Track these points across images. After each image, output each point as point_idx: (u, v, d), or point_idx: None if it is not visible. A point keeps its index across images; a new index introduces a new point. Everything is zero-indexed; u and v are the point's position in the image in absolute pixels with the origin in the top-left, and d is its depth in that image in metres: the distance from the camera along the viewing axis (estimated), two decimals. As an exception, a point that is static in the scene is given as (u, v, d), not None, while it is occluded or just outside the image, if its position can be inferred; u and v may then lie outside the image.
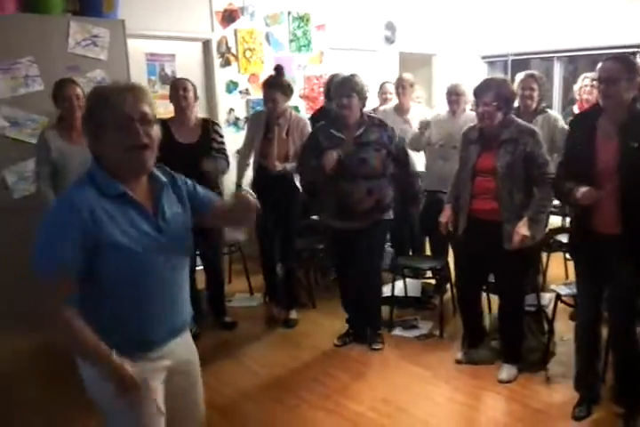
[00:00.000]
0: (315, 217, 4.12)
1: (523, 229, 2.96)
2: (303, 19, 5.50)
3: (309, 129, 3.80)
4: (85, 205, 1.50)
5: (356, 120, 3.40)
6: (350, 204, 3.35)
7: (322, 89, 4.93)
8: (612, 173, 2.46)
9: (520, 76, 3.96)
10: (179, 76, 4.65)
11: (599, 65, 2.54)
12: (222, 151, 3.75)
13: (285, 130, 3.80)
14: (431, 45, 6.63)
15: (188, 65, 4.85)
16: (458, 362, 3.36)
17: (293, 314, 4.03)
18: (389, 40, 6.24)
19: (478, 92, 3.09)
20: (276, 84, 3.76)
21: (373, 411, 2.91)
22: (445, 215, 3.31)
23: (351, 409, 2.93)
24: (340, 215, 3.41)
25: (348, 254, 3.55)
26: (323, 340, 3.72)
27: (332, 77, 4.34)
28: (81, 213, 1.48)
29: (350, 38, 5.87)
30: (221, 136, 3.81)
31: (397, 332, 3.81)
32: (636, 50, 5.33)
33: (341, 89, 3.38)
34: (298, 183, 3.85)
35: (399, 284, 4.04)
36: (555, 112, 4.09)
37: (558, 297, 3.24)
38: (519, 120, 3.14)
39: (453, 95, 4.22)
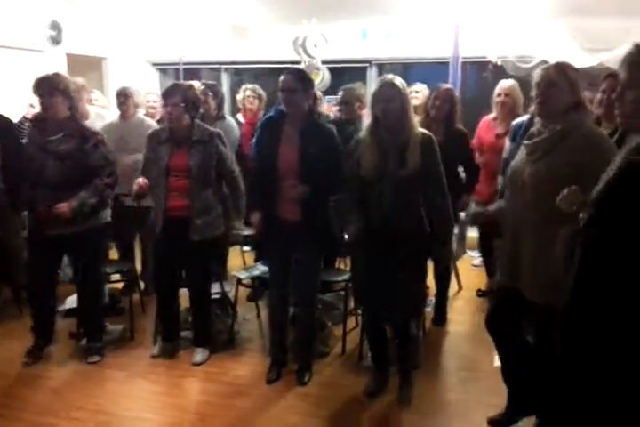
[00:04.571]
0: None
1: None
2: (-52, 10, 4.88)
3: None
4: None
5: (58, 123, 3.21)
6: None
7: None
8: (294, 171, 2.98)
9: (198, 84, 4.23)
10: None
11: (281, 77, 3.00)
12: None
13: None
14: (101, 48, 6.50)
15: None
16: (153, 357, 3.49)
17: None
18: (55, 40, 5.93)
19: (167, 94, 3.26)
20: None
21: (73, 420, 2.86)
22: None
23: (48, 424, 2.83)
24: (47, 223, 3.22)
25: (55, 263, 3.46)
26: (6, 362, 3.43)
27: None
28: None
29: (10, 36, 5.38)
30: None
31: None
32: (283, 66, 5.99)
33: (40, 88, 3.17)
34: None
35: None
36: (232, 120, 4.50)
37: (239, 281, 3.64)
38: (205, 124, 3.41)
39: (122, 98, 4.30)
